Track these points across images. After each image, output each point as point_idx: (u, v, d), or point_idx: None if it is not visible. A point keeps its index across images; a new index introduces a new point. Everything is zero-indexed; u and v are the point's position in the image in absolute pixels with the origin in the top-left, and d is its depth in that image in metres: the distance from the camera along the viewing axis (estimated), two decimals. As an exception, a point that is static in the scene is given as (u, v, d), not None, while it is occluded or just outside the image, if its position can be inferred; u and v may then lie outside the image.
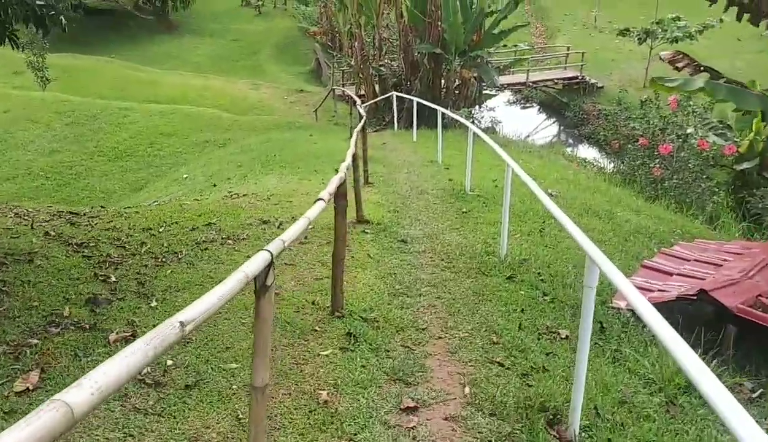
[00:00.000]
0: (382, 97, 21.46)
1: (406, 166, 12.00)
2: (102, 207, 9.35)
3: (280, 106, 24.86)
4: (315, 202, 3.45)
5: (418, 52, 21.29)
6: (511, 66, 24.37)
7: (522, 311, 5.31)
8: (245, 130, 18.75)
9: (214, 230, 7.00)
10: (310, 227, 4.09)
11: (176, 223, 7.32)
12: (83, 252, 5.89)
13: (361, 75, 23.61)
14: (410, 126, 19.48)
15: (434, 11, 20.45)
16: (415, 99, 15.72)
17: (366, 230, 7.27)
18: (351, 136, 10.17)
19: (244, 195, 9.15)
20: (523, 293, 5.70)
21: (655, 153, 13.43)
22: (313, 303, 4.99)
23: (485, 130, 19.70)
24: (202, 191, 11.39)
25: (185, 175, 13.36)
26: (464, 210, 8.62)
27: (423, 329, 4.77)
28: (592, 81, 30.99)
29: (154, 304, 4.67)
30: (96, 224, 7.31)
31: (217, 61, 33.42)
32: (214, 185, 11.58)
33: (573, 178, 12.14)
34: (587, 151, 25.21)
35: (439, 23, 20.43)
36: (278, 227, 7.17)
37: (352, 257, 6.32)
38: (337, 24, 29.27)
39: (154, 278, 5.29)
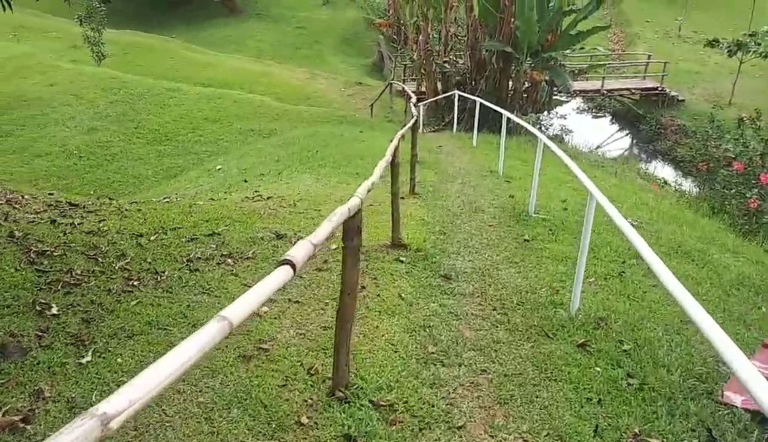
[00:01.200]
0: (443, 95, 19.97)
1: (461, 176, 10.52)
2: (110, 199, 8.25)
3: (336, 98, 23.66)
4: (278, 264, 2.08)
5: (487, 50, 19.71)
6: (587, 71, 22.47)
7: (599, 402, 3.83)
8: (293, 121, 17.57)
9: (216, 242, 5.73)
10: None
11: (176, 229, 6.09)
12: (41, 264, 4.69)
13: (423, 71, 22.15)
14: (471, 128, 18.01)
15: (507, 6, 18.82)
16: (478, 100, 14.20)
17: (401, 258, 5.87)
18: (398, 137, 8.75)
19: (268, 197, 7.88)
20: (599, 370, 4.20)
21: (753, 181, 11.56)
22: (309, 371, 3.63)
23: (552, 139, 18.02)
24: (231, 187, 10.21)
25: (219, 167, 12.23)
26: (526, 238, 7.11)
27: (459, 428, 3.35)
28: (673, 93, 28.65)
29: (86, 359, 3.39)
30: (84, 222, 6.14)
31: (279, 48, 32.46)
32: (245, 181, 10.38)
33: (655, 205, 10.42)
34: (663, 170, 23.13)
35: (512, 20, 18.79)
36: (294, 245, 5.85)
37: (379, 295, 4.95)
38: (404, 16, 27.93)
39: (110, 311, 4.02)
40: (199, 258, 5.30)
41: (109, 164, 14.52)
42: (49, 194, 8.19)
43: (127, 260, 5.05)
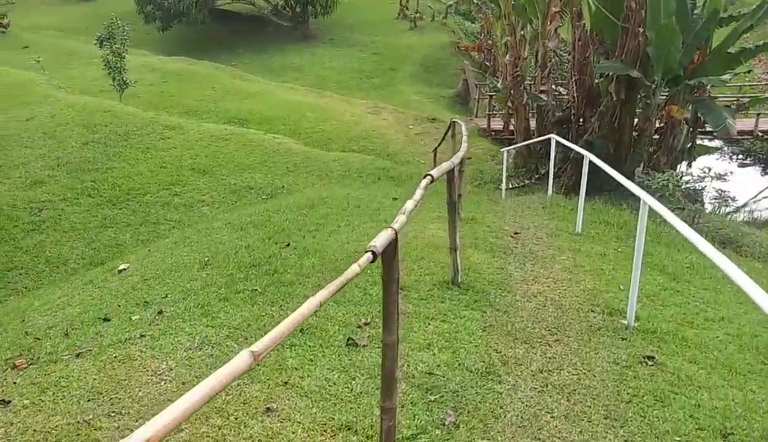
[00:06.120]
0: (536, 140, 14.20)
1: (543, 338, 4.80)
2: None
3: (398, 138, 18.33)
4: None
5: (601, 75, 13.83)
6: (748, 106, 15.87)
7: None
8: (314, 175, 12.41)
9: None
10: None
11: None
12: None
13: (510, 104, 16.48)
14: (575, 190, 12.18)
15: (634, 12, 12.93)
16: (587, 154, 8.41)
17: None
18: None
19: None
20: None
21: None
22: None
23: (694, 210, 11.74)
24: (71, 332, 5.06)
25: (122, 267, 7.14)
26: None
27: None
28: None
29: None
30: None
31: (346, 76, 27.65)
32: (106, 319, 5.21)
33: None
34: None
35: (640, 30, 12.87)
36: None
37: None
38: (495, 36, 22.43)
39: None
40: None
41: (25, 239, 9.86)
42: None
43: None
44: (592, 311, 5.46)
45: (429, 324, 4.70)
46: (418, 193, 3.82)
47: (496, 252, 6.99)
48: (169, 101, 20.66)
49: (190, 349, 4.20)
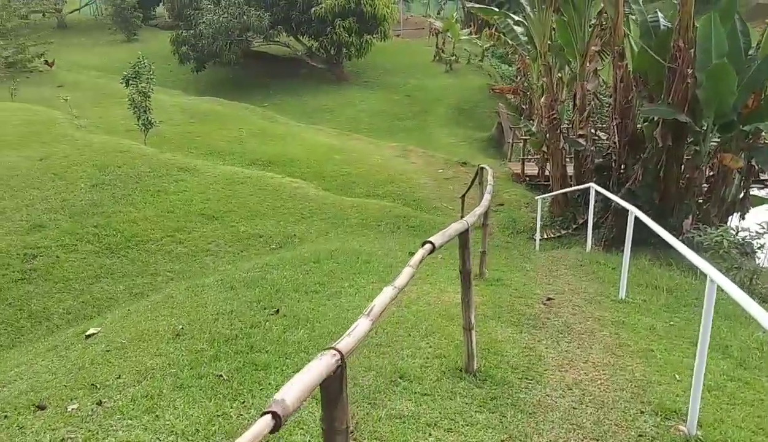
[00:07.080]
0: (576, 188, 13.11)
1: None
2: None
3: (427, 183, 17.41)
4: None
5: (645, 119, 12.75)
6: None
7: None
8: (328, 222, 11.51)
9: None
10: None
11: None
12: None
13: (546, 148, 15.45)
14: (616, 243, 11.08)
15: (681, 52, 11.88)
16: (633, 209, 7.29)
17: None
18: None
19: None
20: None
21: None
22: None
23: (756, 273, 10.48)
24: (9, 415, 4.17)
25: (91, 332, 6.28)
26: None
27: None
28: None
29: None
30: None
31: (378, 118, 27.03)
32: (40, 408, 4.30)
33: None
34: None
35: (689, 71, 11.79)
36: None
37: None
38: (531, 78, 21.55)
39: None
40: None
41: (11, 289, 9.08)
42: None
43: None
44: (642, 411, 4.33)
45: (430, 435, 3.65)
46: (406, 273, 2.82)
47: (523, 325, 5.90)
48: (194, 142, 20.18)
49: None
